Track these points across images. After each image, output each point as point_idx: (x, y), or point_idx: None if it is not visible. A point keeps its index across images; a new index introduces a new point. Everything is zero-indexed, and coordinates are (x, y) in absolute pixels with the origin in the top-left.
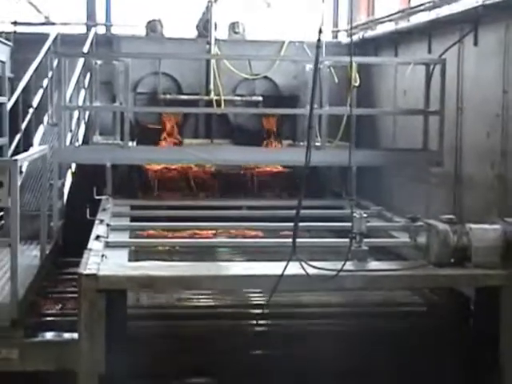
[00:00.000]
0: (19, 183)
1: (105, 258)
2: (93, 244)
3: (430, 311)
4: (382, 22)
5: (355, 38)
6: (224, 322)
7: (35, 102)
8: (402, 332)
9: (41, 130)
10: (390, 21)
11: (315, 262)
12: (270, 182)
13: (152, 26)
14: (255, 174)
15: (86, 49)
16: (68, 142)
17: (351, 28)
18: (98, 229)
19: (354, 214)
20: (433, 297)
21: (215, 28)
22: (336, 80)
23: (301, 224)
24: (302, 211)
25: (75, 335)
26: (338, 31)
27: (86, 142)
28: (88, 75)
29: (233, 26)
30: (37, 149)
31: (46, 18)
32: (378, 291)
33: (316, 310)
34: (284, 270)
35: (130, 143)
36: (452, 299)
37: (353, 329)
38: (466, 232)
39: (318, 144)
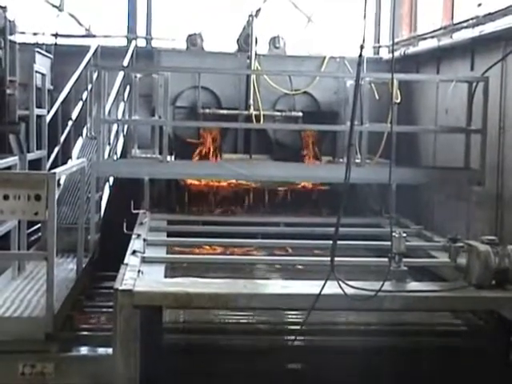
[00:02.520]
0: (57, 196)
1: (141, 273)
2: (129, 259)
3: (470, 334)
4: (424, 39)
5: (397, 54)
6: (261, 340)
7: (74, 115)
8: (441, 355)
9: (79, 142)
10: (433, 37)
11: (353, 282)
12: (309, 199)
13: (192, 40)
14: (294, 190)
15: (126, 62)
16: (106, 156)
17: (393, 44)
18: (135, 243)
19: (394, 233)
20: (473, 319)
21: (256, 42)
22: (377, 96)
23: (339, 242)
24: (341, 229)
25: (110, 350)
26: (380, 47)
27: (124, 155)
28: (127, 88)
29: (273, 41)
30: (75, 162)
31: (86, 30)
32: (416, 313)
33: (353, 338)
34: (322, 289)
35: (169, 157)
36: (493, 322)
37: (390, 353)
38: (508, 254)
39: (357, 161)
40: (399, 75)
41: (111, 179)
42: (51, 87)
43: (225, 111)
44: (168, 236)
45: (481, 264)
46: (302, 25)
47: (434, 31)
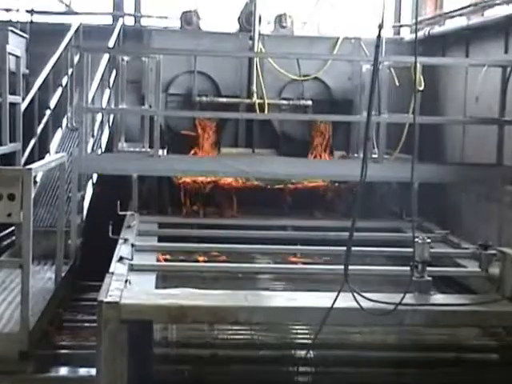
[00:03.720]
0: (33, 195)
1: (129, 283)
2: (115, 267)
3: (504, 355)
4: (451, 17)
5: (420, 34)
6: (261, 367)
7: (53, 103)
8: (469, 380)
9: (58, 134)
10: (461, 15)
11: (370, 294)
12: (320, 200)
13: (187, 18)
14: (302, 189)
15: (111, 43)
16: (89, 149)
17: (416, 23)
18: (122, 249)
19: (416, 239)
20: (506, 337)
21: (259, 21)
22: (397, 83)
23: (354, 248)
24: (356, 234)
25: (93, 371)
26: (401, 26)
27: (109, 149)
28: (113, 73)
29: (279, 19)
30: (54, 156)
31: (66, 6)
32: (442, 329)
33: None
34: (334, 302)
35: (160, 152)
36: None
37: (411, 376)
38: None
39: (375, 156)
40: (423, 59)
41: (95, 176)
42: (26, 71)
43: (224, 99)
44: (159, 241)
45: None
46: (312, 1)
47: (463, 8)
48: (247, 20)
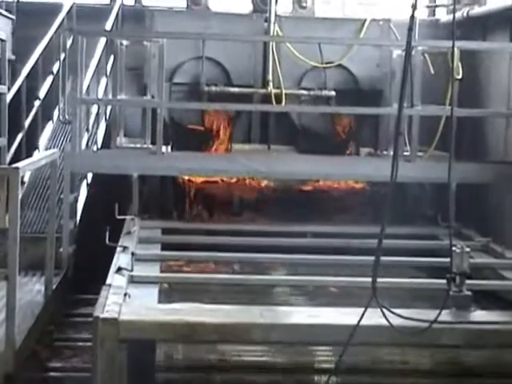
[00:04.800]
0: (20, 197)
1: (128, 297)
2: (113, 278)
3: None
4: None
5: (458, 15)
6: None
7: (43, 93)
8: None
9: (49, 128)
10: None
11: (401, 310)
12: (344, 203)
13: None
14: (324, 191)
15: (109, 25)
16: (84, 145)
17: (454, 2)
18: (120, 258)
19: (454, 247)
20: None
21: (276, 1)
22: (432, 71)
23: (383, 258)
24: (385, 241)
25: None
26: (436, 7)
27: (106, 145)
28: (111, 59)
29: None
30: (43, 153)
31: None
32: (483, 351)
33: (400, 381)
34: (360, 319)
35: (164, 148)
36: None
37: None
38: None
39: (406, 154)
40: (461, 43)
41: (90, 176)
42: (13, 57)
43: (236, 89)
44: (163, 249)
45: None
46: None
47: None
48: None
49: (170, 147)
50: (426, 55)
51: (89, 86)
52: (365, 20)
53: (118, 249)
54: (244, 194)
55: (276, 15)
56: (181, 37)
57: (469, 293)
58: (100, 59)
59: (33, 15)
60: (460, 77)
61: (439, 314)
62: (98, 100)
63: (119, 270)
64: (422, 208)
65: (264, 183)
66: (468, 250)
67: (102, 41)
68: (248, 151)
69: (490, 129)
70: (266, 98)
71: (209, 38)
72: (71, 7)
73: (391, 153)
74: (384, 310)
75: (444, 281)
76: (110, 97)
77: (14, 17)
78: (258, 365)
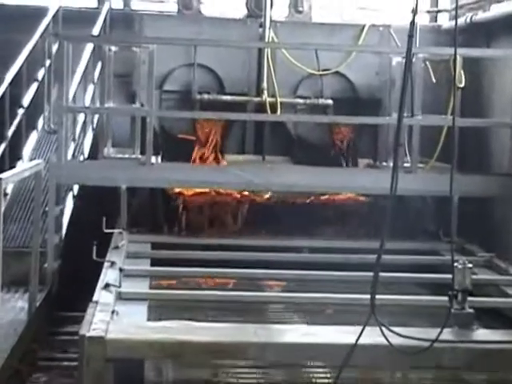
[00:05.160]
0: (3, 210)
1: (116, 314)
2: (100, 295)
3: None
4: (498, 1)
5: (461, 21)
6: None
7: (27, 101)
8: None
9: (33, 138)
10: None
11: (401, 328)
12: (342, 216)
13: (186, 2)
14: (321, 204)
15: (96, 30)
16: (70, 156)
17: (456, 7)
18: (108, 274)
19: (456, 263)
20: None
21: (271, 5)
22: (433, 79)
23: (382, 274)
24: (385, 256)
25: None
26: (438, 12)
27: (93, 155)
28: (99, 66)
29: (295, 3)
30: (28, 164)
31: None
32: (485, 371)
33: None
34: (358, 338)
35: (154, 159)
36: None
37: None
38: None
39: (407, 165)
40: (464, 50)
41: (76, 188)
42: None
43: (229, 97)
44: (152, 265)
45: None
46: None
47: None
48: (257, 4)
49: (159, 158)
50: (428, 63)
51: (75, 93)
52: (364, 25)
53: (106, 264)
54: (237, 207)
55: (271, 20)
56: (171, 42)
57: (471, 310)
58: (87, 66)
59: (17, 19)
60: (462, 85)
61: (440, 332)
62: (85, 108)
63: (106, 286)
64: (423, 222)
65: (258, 196)
66: (470, 265)
67: (89, 46)
68: (242, 162)
69: (494, 139)
70: (261, 107)
71: (201, 43)
72: (57, 11)
73: (391, 164)
74: (383, 328)
75: (445, 298)
76: (98, 105)
77: None
78: None
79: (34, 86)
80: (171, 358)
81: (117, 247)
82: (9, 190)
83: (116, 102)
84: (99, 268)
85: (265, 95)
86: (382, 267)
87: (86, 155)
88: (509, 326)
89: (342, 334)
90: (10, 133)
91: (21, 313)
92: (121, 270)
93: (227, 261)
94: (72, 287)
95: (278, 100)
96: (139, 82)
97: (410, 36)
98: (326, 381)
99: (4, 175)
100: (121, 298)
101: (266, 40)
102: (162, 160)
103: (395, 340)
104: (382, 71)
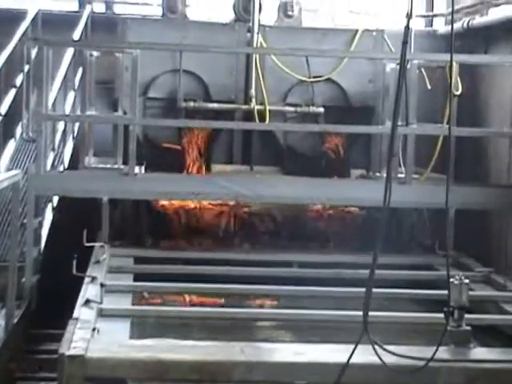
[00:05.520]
0: None
1: (97, 332)
2: (80, 311)
3: None
4: (496, 4)
5: (458, 26)
6: None
7: (4, 108)
8: None
9: (11, 147)
10: (509, 3)
11: (395, 346)
12: (334, 229)
13: (171, 5)
14: (312, 216)
15: (77, 34)
16: (49, 166)
17: (452, 12)
18: (89, 290)
19: (452, 278)
20: None
21: (260, 9)
22: (429, 86)
23: (375, 290)
24: (378, 271)
25: None
26: (434, 16)
27: (74, 165)
28: (80, 72)
29: (284, 7)
30: (5, 174)
31: None
32: None
33: None
34: (350, 357)
35: (137, 169)
36: None
37: None
38: None
39: (401, 176)
40: (461, 56)
41: (55, 199)
42: None
43: (216, 105)
44: (135, 280)
45: None
46: None
47: None
48: (245, 7)
49: (143, 168)
50: (423, 69)
51: (55, 100)
52: (356, 30)
53: (86, 279)
54: (224, 220)
55: (260, 25)
56: (156, 47)
57: (468, 328)
58: (67, 71)
59: None
60: (459, 93)
61: (436, 351)
62: (65, 116)
63: (87, 302)
64: (418, 235)
65: (246, 207)
66: (467, 281)
67: (70, 51)
68: (229, 173)
69: (492, 150)
70: (249, 115)
71: (186, 49)
72: (36, 14)
73: (384, 175)
74: (376, 346)
75: (441, 315)
76: (79, 112)
77: None
78: None
79: (11, 93)
80: (154, 377)
81: (98, 261)
82: None
83: (98, 110)
84: (79, 283)
85: (253, 103)
86: (375, 283)
87: (66, 165)
88: (507, 344)
89: (333, 353)
90: None
91: None
92: (102, 285)
93: (214, 275)
94: (51, 303)
95: (267, 108)
96: (122, 88)
97: (405, 42)
98: None
99: None
100: (102, 314)
101: (255, 45)
102: (145, 170)
103: (389, 359)
104: (376, 78)
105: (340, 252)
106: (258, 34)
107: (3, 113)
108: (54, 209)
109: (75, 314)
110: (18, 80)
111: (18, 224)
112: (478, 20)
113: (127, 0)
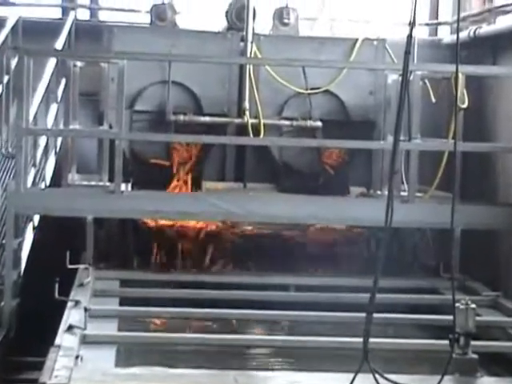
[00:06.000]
0: None
1: (80, 360)
2: (63, 338)
3: None
4: (505, 12)
5: (464, 35)
6: None
7: None
8: None
9: None
10: None
11: (397, 375)
12: (332, 251)
13: (160, 12)
14: (310, 237)
15: (60, 43)
16: (30, 183)
17: (458, 20)
18: (72, 315)
19: (457, 303)
20: None
21: (254, 17)
22: (433, 99)
23: (376, 315)
24: (379, 295)
25: None
26: (439, 25)
27: (56, 182)
28: (63, 83)
29: (280, 14)
30: None
31: None
32: None
33: None
34: None
35: (123, 186)
36: None
37: None
38: None
39: (403, 194)
40: (467, 67)
41: (37, 218)
42: None
43: (207, 119)
44: (121, 304)
45: None
46: None
47: None
48: (238, 15)
49: (130, 185)
50: (427, 81)
51: (36, 113)
52: (356, 39)
53: (69, 303)
54: (216, 240)
55: (254, 33)
56: (144, 57)
57: (475, 356)
58: (50, 83)
59: None
60: (465, 106)
61: (441, 380)
62: (47, 130)
63: (70, 328)
64: (422, 257)
65: (240, 227)
66: (474, 306)
67: (52, 61)
68: (221, 190)
69: (500, 166)
70: (242, 129)
71: (176, 59)
72: (17, 21)
73: (386, 193)
74: (377, 375)
75: (446, 342)
76: (61, 126)
77: None
78: None
79: None
80: None
81: (82, 284)
82: None
83: (82, 124)
84: (62, 308)
85: (247, 116)
86: (376, 307)
87: (48, 182)
88: None
89: (331, 382)
90: None
91: None
92: (86, 309)
93: (204, 300)
94: (32, 329)
95: (262, 122)
96: (107, 101)
97: (407, 52)
98: None
99: None
100: (86, 341)
101: (248, 55)
102: (132, 188)
103: None
104: (377, 90)
105: (339, 275)
106: (252, 43)
107: None
108: (34, 228)
109: (57, 341)
110: None
111: None
112: (486, 29)
113: (113, 6)
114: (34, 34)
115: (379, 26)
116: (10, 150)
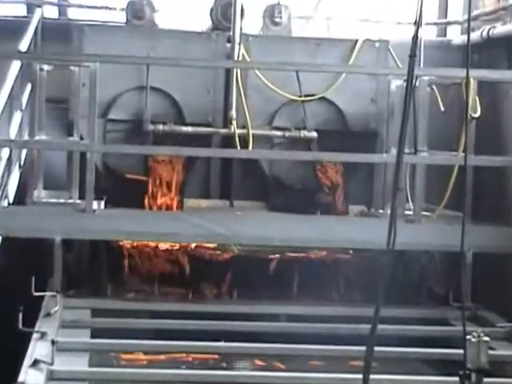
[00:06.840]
0: None
1: None
2: (28, 374)
3: None
4: None
5: (476, 35)
6: None
7: None
8: None
9: None
10: None
11: None
12: (329, 277)
13: (136, 10)
14: (304, 260)
15: (25, 44)
16: None
17: (469, 19)
18: (37, 348)
19: (469, 335)
20: None
21: (241, 15)
22: (441, 107)
23: (378, 349)
24: (381, 326)
25: None
26: (448, 24)
27: (20, 200)
28: (28, 88)
29: (271, 13)
30: None
31: None
32: None
33: None
34: None
35: (96, 204)
36: None
37: None
38: None
39: (408, 213)
40: (479, 71)
41: None
42: None
43: (190, 129)
44: (93, 336)
45: None
46: None
47: None
48: (224, 13)
49: (103, 203)
50: (434, 87)
51: None
52: (356, 41)
53: (35, 335)
54: (199, 265)
55: (242, 34)
56: (119, 61)
57: None
58: (13, 88)
59: None
60: (477, 115)
61: None
62: (10, 141)
63: (35, 363)
64: (429, 283)
65: (225, 250)
66: (487, 338)
67: (16, 64)
68: (204, 208)
69: None
70: (229, 141)
71: (155, 62)
72: None
73: (389, 212)
74: None
75: (456, 378)
76: (26, 137)
77: None
78: None
79: None
80: None
81: (49, 314)
82: None
83: (49, 134)
84: (26, 340)
85: (234, 126)
86: (377, 339)
87: (11, 200)
88: None
89: None
90: None
91: None
92: (53, 342)
93: (186, 331)
94: None
95: (250, 132)
96: (78, 108)
97: (413, 54)
98: None
99: None
100: (53, 377)
101: (236, 58)
102: (105, 206)
103: None
104: (379, 97)
105: (336, 303)
106: (239, 44)
107: None
108: None
109: (21, 378)
110: None
111: None
112: (500, 29)
113: (84, 3)
114: None
115: (381, 25)
116: None
